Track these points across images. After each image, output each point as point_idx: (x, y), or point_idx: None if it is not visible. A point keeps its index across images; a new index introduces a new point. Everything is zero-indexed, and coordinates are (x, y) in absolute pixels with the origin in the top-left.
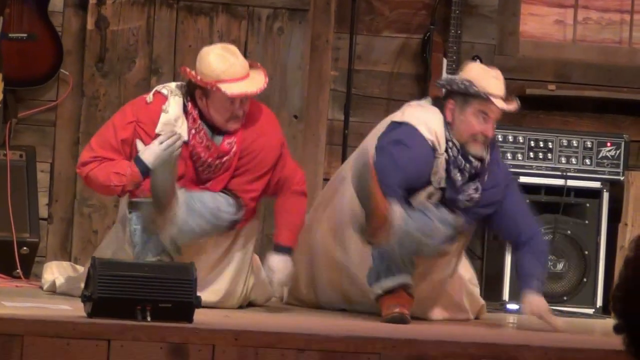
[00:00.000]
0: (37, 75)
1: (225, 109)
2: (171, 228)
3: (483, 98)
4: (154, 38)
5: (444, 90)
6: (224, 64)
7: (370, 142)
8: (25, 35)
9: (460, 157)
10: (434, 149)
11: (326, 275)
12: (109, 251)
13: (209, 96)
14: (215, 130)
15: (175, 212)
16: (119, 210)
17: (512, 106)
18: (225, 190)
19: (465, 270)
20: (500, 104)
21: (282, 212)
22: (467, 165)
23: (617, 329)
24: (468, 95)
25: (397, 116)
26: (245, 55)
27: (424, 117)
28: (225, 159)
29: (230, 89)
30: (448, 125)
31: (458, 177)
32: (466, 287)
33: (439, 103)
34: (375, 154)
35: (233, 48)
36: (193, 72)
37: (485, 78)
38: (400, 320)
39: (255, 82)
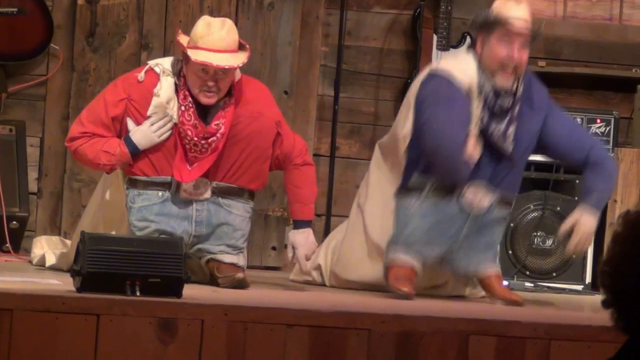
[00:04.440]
0: (27, 50)
1: (197, 77)
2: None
3: (502, 23)
4: (144, 13)
5: (472, 31)
6: (205, 30)
7: (411, 97)
8: (16, 9)
9: (491, 95)
10: (470, 92)
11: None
12: (89, 216)
13: (187, 62)
14: (205, 109)
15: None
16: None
17: (524, 21)
18: (235, 189)
19: None
20: (519, 23)
21: (291, 187)
22: (497, 102)
23: (605, 304)
24: (490, 24)
25: (432, 67)
26: None
27: (457, 63)
28: (211, 139)
29: (197, 54)
30: (480, 65)
31: (486, 116)
32: None
33: (472, 47)
34: (420, 109)
35: (228, 23)
36: (181, 35)
37: (504, 4)
38: (405, 299)
39: (230, 59)
